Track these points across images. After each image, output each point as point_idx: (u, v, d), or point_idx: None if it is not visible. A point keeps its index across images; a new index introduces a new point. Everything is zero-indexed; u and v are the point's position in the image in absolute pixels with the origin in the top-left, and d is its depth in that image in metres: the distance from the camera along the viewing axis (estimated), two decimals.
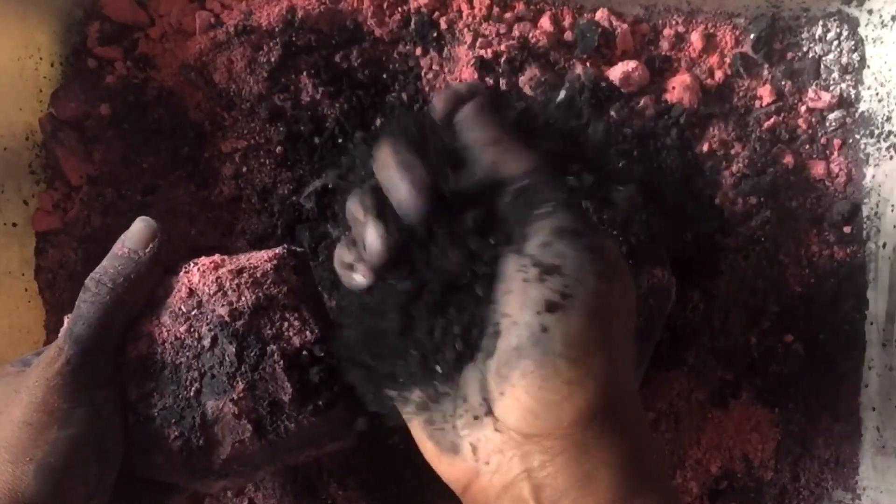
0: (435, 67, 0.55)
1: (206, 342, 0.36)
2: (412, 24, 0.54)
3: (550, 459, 0.29)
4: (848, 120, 0.54)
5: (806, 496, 0.52)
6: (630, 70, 0.52)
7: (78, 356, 0.35)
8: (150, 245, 0.37)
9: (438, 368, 0.31)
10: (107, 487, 0.36)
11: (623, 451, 0.29)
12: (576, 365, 0.29)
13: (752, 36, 0.54)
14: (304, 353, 0.36)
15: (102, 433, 0.35)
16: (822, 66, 0.55)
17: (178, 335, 0.36)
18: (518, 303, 0.29)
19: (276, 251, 0.39)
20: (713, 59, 0.54)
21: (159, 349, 0.36)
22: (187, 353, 0.36)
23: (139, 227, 0.38)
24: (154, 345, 0.36)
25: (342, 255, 0.35)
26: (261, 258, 0.38)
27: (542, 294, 0.29)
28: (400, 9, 0.55)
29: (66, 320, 0.38)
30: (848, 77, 0.54)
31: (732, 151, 0.53)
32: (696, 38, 0.54)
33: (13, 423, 0.34)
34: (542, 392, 0.29)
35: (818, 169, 0.54)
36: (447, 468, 0.32)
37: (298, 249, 0.40)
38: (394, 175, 0.31)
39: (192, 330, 0.36)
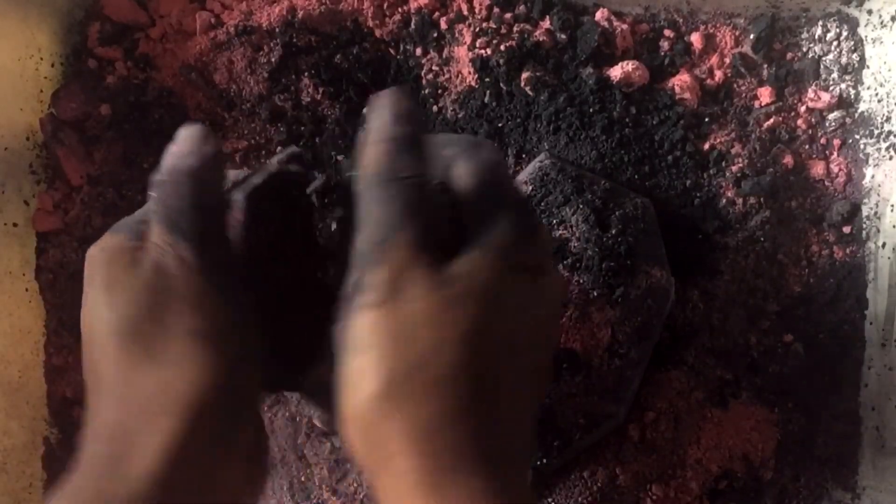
0: (435, 68, 0.55)
1: None
2: (412, 24, 0.55)
3: (359, 443, 0.30)
4: (847, 120, 0.54)
5: (806, 496, 0.52)
6: (630, 70, 0.52)
7: (198, 249, 0.31)
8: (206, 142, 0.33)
9: None
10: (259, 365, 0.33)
11: (418, 432, 0.28)
12: (344, 403, 0.30)
13: (751, 36, 0.54)
14: None
15: (250, 324, 0.33)
16: (822, 67, 0.55)
17: None
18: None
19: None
20: (713, 59, 0.55)
21: None
22: None
23: (186, 134, 0.34)
24: None
25: None
26: None
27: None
28: (400, 9, 0.55)
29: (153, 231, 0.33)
30: (847, 77, 0.54)
31: (732, 151, 0.53)
32: (696, 39, 0.54)
33: (182, 334, 0.30)
34: (340, 380, 0.30)
35: (818, 169, 0.54)
36: None
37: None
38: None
39: None
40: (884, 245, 0.52)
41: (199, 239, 0.31)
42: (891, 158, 0.52)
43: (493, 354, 0.30)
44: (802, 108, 0.54)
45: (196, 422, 0.30)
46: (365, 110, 0.32)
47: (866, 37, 0.54)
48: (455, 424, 0.29)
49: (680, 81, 0.53)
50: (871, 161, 0.53)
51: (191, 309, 0.31)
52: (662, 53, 0.55)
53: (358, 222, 0.31)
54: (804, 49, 0.55)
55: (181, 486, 0.30)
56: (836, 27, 0.55)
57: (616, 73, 0.53)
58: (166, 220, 0.32)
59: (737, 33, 0.55)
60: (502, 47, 0.53)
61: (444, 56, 0.55)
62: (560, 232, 0.48)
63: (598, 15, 0.54)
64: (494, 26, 0.54)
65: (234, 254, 0.34)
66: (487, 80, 0.53)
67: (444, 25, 0.54)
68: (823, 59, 0.55)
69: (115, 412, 0.31)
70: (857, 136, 0.54)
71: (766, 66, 0.55)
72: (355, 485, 0.51)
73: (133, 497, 0.29)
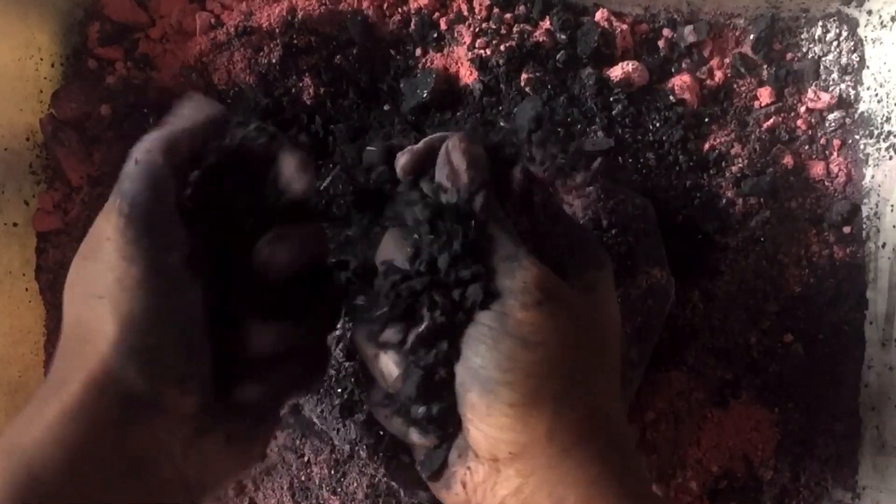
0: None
1: None
2: (412, 24, 0.55)
3: (525, 481, 0.30)
4: (847, 120, 0.54)
5: (806, 496, 0.52)
6: (630, 70, 0.52)
7: (134, 210, 0.30)
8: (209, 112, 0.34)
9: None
10: (201, 377, 0.32)
11: (595, 469, 0.31)
12: (514, 388, 0.30)
13: (752, 36, 0.54)
14: None
15: (184, 314, 0.31)
16: (822, 67, 0.55)
17: None
18: (463, 342, 0.31)
19: None
20: (713, 60, 0.55)
21: None
22: None
23: (193, 104, 0.34)
24: None
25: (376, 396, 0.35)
26: None
27: (475, 331, 0.31)
28: (400, 9, 0.55)
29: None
30: (847, 78, 0.54)
31: (732, 151, 0.53)
32: (695, 39, 0.54)
33: (92, 295, 0.31)
34: (491, 419, 0.30)
35: (818, 169, 0.54)
36: (446, 503, 0.34)
37: None
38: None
39: None
40: (884, 245, 0.52)
41: (138, 205, 0.31)
42: (891, 158, 0.52)
43: (615, 343, 0.35)
44: (802, 109, 0.54)
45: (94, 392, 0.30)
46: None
47: (866, 37, 0.54)
48: (611, 402, 0.33)
49: (680, 81, 0.53)
50: (871, 161, 0.53)
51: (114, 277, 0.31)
52: (662, 53, 0.55)
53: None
54: (804, 49, 0.55)
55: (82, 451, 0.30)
56: (836, 27, 0.55)
57: (616, 73, 0.53)
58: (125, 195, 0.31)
59: (737, 33, 0.55)
60: (502, 47, 0.53)
61: (444, 56, 0.55)
62: None
63: (598, 15, 0.54)
64: (494, 26, 0.54)
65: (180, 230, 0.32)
66: (487, 79, 0.53)
67: (444, 26, 0.54)
68: (823, 59, 0.55)
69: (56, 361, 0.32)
70: (857, 137, 0.54)
71: (766, 66, 0.55)
72: (355, 484, 0.51)
73: (36, 445, 0.29)
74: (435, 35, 0.54)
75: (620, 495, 0.30)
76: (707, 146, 0.53)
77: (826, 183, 0.54)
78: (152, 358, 0.30)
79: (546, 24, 0.54)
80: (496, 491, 0.31)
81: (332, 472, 0.52)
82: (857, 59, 0.54)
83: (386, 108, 0.54)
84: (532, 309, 0.30)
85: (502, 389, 0.30)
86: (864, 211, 0.53)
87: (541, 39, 0.53)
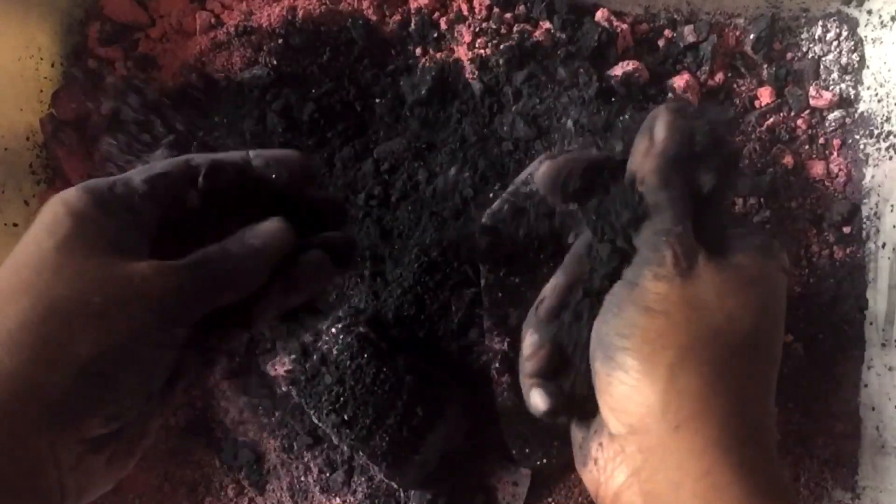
0: None
1: None
2: (412, 24, 0.55)
3: (645, 460, 0.29)
4: (847, 120, 0.54)
5: (806, 496, 0.52)
6: (630, 70, 0.52)
7: (191, 290, 0.32)
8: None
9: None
10: (126, 420, 0.32)
11: (711, 456, 0.28)
12: (630, 354, 0.30)
13: (752, 36, 0.54)
14: None
15: (156, 365, 0.32)
16: (822, 67, 0.55)
17: None
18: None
19: None
20: (713, 59, 0.54)
21: None
22: None
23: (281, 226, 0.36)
24: None
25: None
26: None
27: (607, 300, 0.31)
28: (400, 9, 0.55)
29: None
30: (847, 77, 0.54)
31: None
32: (695, 39, 0.54)
33: (88, 304, 0.30)
34: (612, 387, 0.30)
35: (818, 169, 0.54)
36: (584, 481, 0.33)
37: None
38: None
39: None
40: (884, 245, 0.52)
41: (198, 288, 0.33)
42: (891, 158, 0.52)
43: (767, 333, 0.33)
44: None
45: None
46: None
47: (866, 37, 0.54)
48: (743, 390, 0.31)
49: (680, 81, 0.53)
50: (871, 161, 0.53)
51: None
52: (662, 53, 0.55)
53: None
54: (804, 49, 0.55)
55: None
56: (836, 27, 0.55)
57: (616, 73, 0.53)
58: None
59: (737, 33, 0.55)
60: (502, 47, 0.53)
61: (444, 56, 0.55)
62: None
63: (598, 15, 0.54)
64: (494, 26, 0.54)
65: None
66: (487, 79, 0.53)
67: (444, 25, 0.54)
68: (823, 59, 0.55)
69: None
70: (857, 136, 0.54)
71: (766, 66, 0.55)
72: (355, 484, 0.51)
73: None
74: (435, 35, 0.54)
75: (745, 491, 0.28)
76: None
77: (826, 183, 0.54)
78: (107, 391, 0.31)
79: (546, 23, 0.54)
80: (621, 470, 0.30)
81: (332, 472, 0.52)
82: (858, 58, 0.54)
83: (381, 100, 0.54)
84: (663, 281, 0.31)
85: (620, 355, 0.30)
86: (864, 211, 0.53)
87: (540, 39, 0.53)
